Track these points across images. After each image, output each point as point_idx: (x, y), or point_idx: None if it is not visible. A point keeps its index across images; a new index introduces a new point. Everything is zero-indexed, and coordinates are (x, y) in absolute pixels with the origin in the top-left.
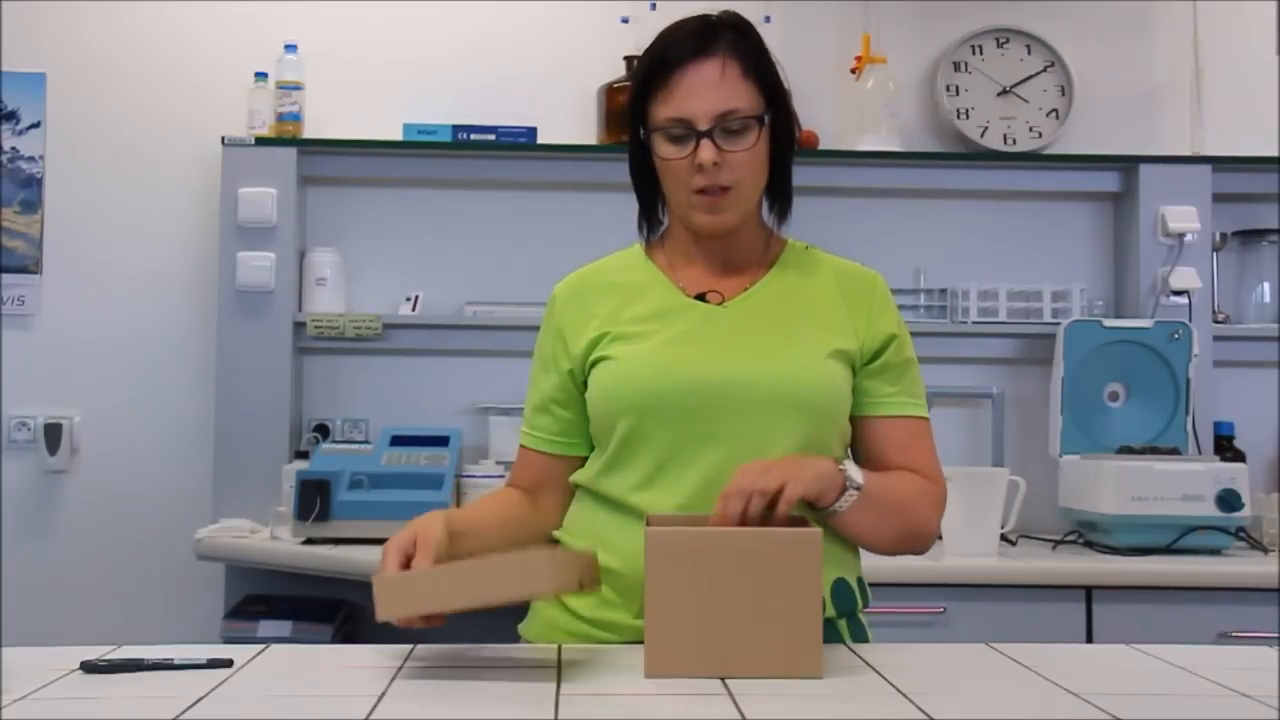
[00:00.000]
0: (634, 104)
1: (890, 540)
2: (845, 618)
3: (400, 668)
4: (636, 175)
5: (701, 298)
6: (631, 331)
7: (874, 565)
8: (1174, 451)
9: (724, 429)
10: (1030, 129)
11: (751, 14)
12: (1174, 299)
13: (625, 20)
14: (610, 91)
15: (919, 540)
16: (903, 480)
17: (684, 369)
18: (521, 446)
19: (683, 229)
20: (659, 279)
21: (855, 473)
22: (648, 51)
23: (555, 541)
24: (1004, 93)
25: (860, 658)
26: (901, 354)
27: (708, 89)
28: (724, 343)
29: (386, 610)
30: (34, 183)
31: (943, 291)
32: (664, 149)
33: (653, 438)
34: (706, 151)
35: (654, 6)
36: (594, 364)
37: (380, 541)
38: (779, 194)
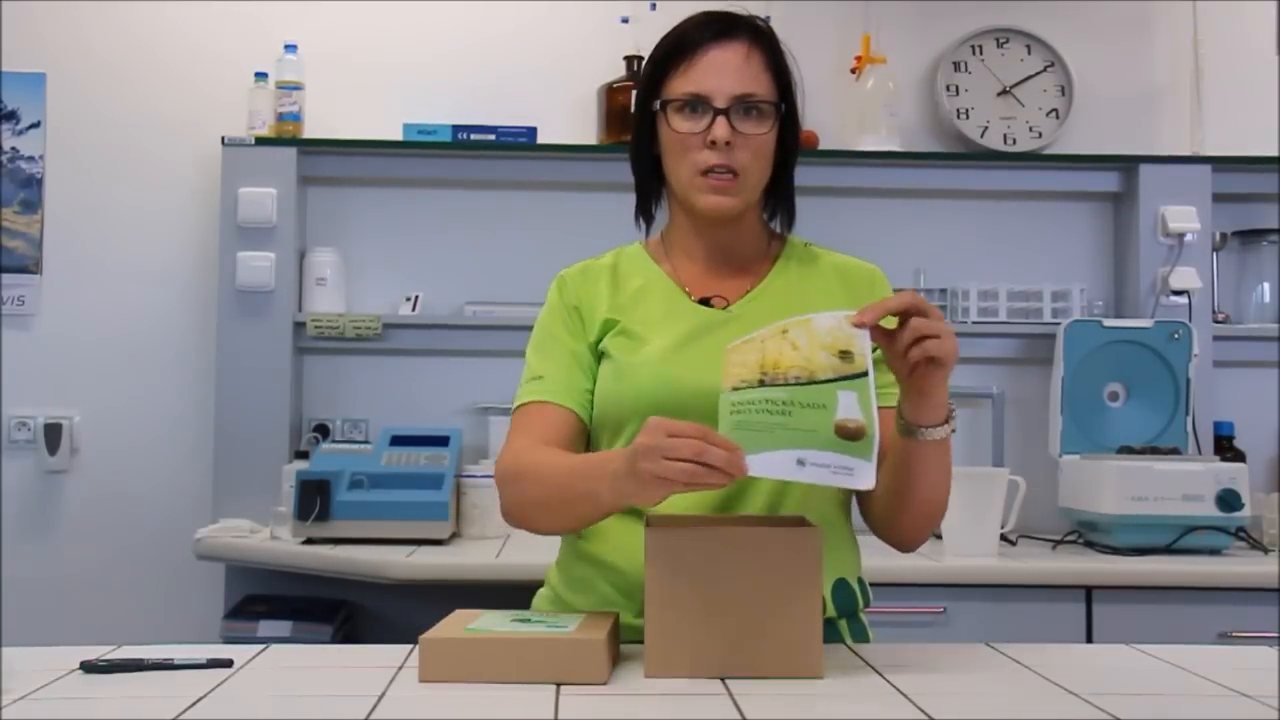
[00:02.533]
0: (647, 82)
1: (940, 500)
2: (846, 618)
3: (400, 668)
4: (637, 162)
5: (705, 302)
6: (638, 332)
7: (874, 565)
8: (1174, 451)
9: None
10: (1030, 129)
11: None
12: (1174, 299)
13: (625, 20)
14: (610, 91)
15: (939, 517)
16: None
17: (690, 378)
18: (542, 403)
19: (684, 219)
20: (662, 280)
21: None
22: (666, 35)
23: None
24: (1004, 93)
25: (860, 658)
26: None
27: (730, 69)
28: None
29: (430, 673)
30: (34, 183)
31: (943, 291)
32: (678, 122)
33: None
34: (721, 128)
35: (654, 6)
36: (602, 355)
37: (380, 541)
38: (782, 199)
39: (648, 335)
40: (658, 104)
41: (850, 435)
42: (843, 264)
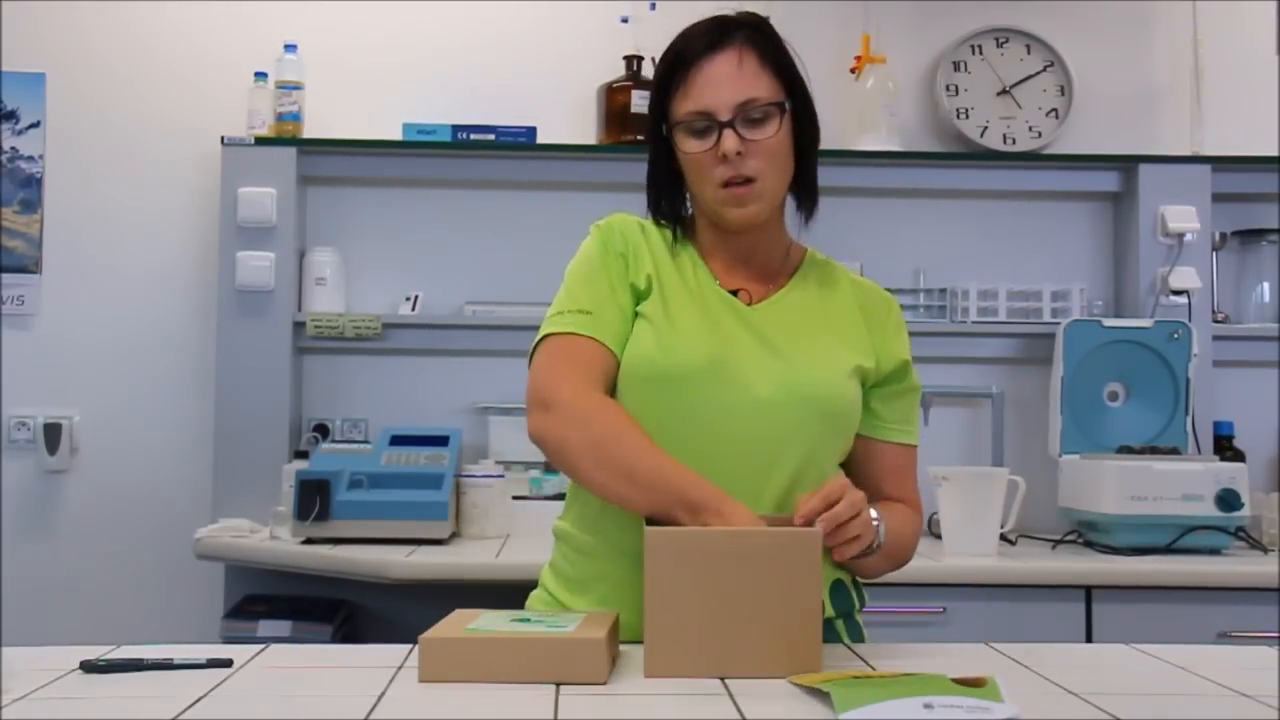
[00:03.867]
0: (654, 106)
1: (876, 574)
2: (843, 618)
3: (400, 667)
4: (655, 174)
5: (733, 294)
6: (672, 300)
7: None
8: (1174, 451)
9: (739, 430)
10: (1030, 129)
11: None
12: (1174, 299)
13: (625, 20)
14: (610, 91)
15: (897, 569)
16: (904, 522)
17: (711, 367)
18: (592, 339)
19: (708, 226)
20: (694, 257)
21: (882, 531)
22: (664, 53)
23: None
24: (1004, 92)
25: (860, 658)
26: (911, 382)
27: (726, 80)
28: (752, 345)
29: (430, 673)
30: (33, 182)
31: (942, 291)
32: (687, 144)
33: (673, 420)
34: (729, 141)
35: (654, 6)
36: (640, 314)
37: (380, 541)
38: (804, 189)
39: (681, 308)
40: (664, 129)
41: (971, 684)
42: (862, 285)
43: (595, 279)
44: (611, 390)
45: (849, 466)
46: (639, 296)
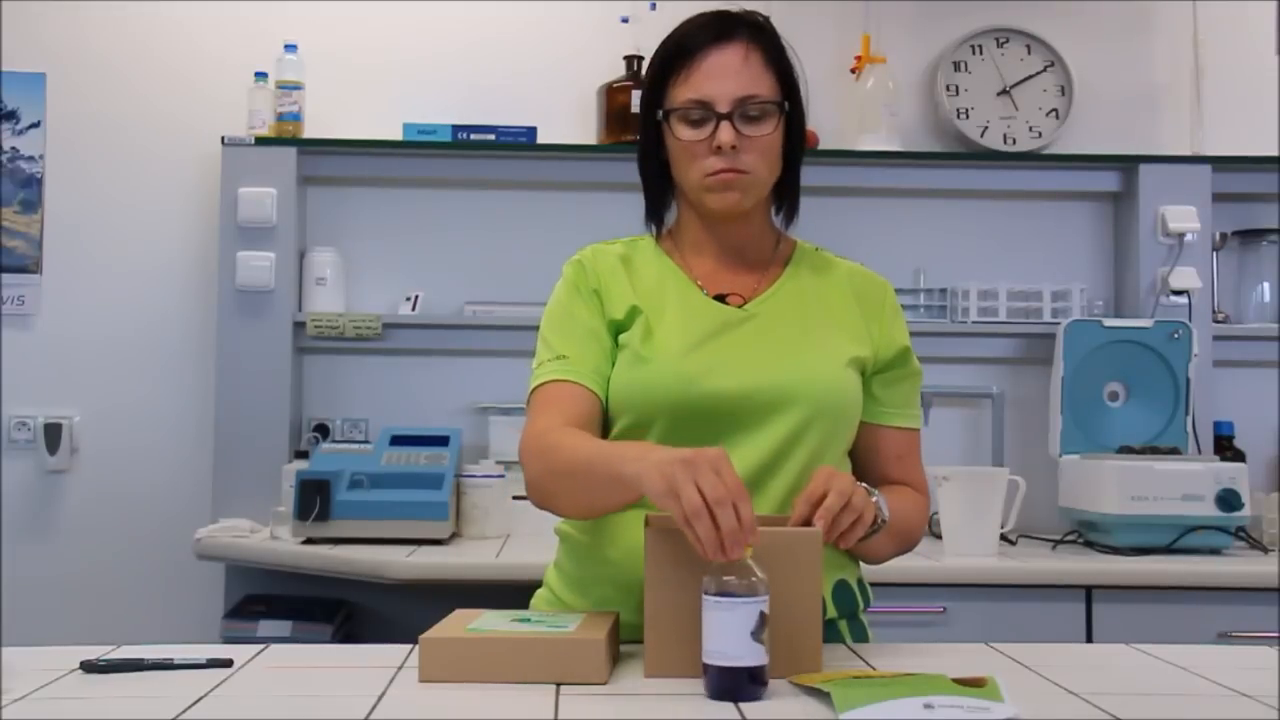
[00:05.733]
0: (650, 89)
1: (885, 557)
2: (846, 618)
3: (400, 668)
4: (645, 166)
5: (720, 299)
6: (656, 325)
7: (873, 566)
8: (1174, 451)
9: (745, 434)
10: (1030, 129)
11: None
12: (1174, 299)
13: (625, 20)
14: (610, 91)
15: (907, 551)
16: (907, 501)
17: (709, 378)
18: (566, 383)
19: (693, 218)
20: (676, 274)
21: (884, 506)
22: (666, 39)
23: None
24: (1004, 92)
25: (860, 658)
26: (912, 367)
27: (730, 73)
28: (747, 349)
29: (430, 673)
30: (34, 182)
31: (943, 291)
32: (682, 131)
33: (673, 442)
34: (726, 133)
35: (654, 6)
36: (620, 345)
37: (380, 541)
38: (787, 193)
39: (665, 329)
40: (661, 113)
41: (971, 684)
42: (856, 272)
43: (566, 322)
44: (602, 422)
45: (854, 453)
46: (619, 328)
